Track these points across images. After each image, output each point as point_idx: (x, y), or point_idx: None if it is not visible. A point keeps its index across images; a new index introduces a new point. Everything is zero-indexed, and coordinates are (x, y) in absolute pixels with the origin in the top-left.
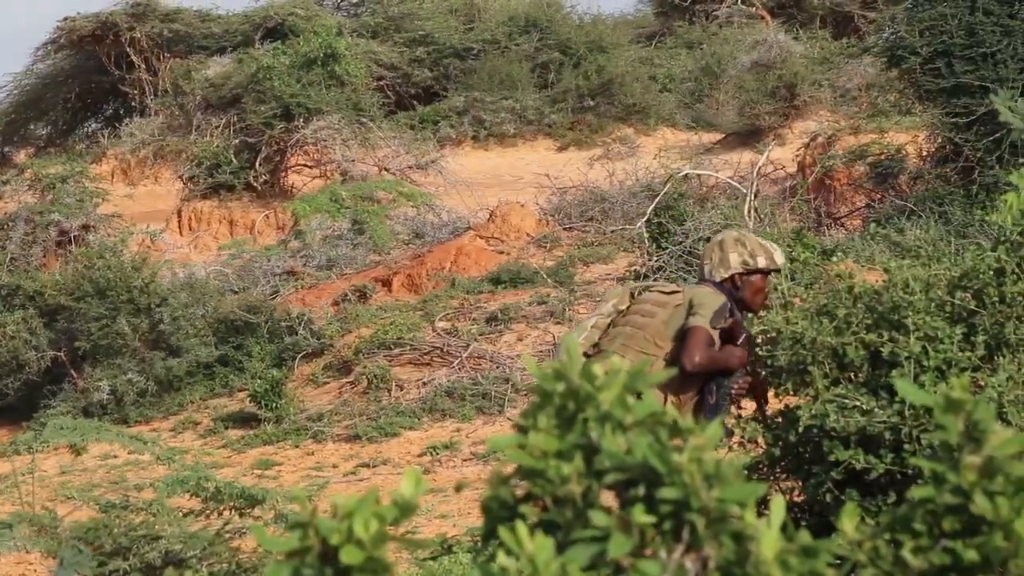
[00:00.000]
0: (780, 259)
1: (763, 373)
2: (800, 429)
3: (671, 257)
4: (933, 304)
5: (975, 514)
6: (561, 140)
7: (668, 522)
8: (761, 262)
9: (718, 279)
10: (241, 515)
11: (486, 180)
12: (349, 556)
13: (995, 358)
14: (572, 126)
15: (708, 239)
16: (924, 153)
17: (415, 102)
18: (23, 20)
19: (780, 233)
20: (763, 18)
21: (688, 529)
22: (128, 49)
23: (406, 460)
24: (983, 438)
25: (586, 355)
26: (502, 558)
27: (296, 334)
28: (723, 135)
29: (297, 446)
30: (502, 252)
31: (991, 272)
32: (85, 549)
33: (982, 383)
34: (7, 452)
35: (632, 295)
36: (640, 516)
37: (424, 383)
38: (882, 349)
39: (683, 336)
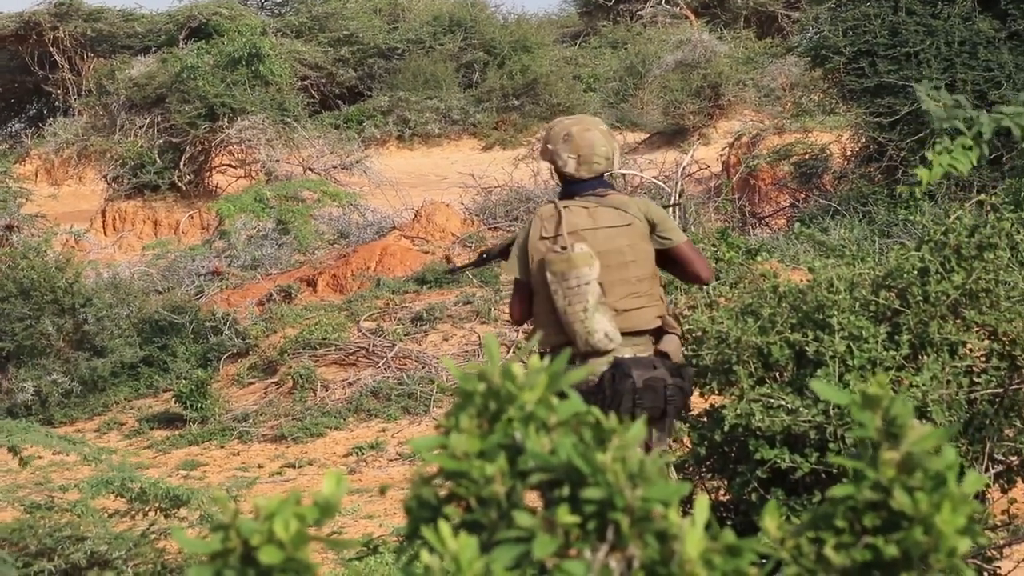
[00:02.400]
0: None
1: None
2: (725, 428)
3: None
4: (857, 303)
5: (895, 510)
6: (486, 140)
7: (593, 522)
8: None
9: (620, 167)
10: (167, 516)
11: (411, 180)
12: (268, 556)
13: (919, 357)
14: (497, 126)
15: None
16: (848, 153)
17: (340, 102)
18: None
19: (705, 232)
20: (687, 18)
21: (612, 529)
22: (51, 49)
23: (332, 460)
24: (901, 434)
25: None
26: (425, 557)
27: (221, 334)
28: (648, 135)
29: (223, 446)
30: (427, 252)
31: (915, 271)
32: (8, 558)
33: (906, 382)
34: None
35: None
36: (564, 516)
37: (349, 383)
38: (807, 348)
39: (664, 257)
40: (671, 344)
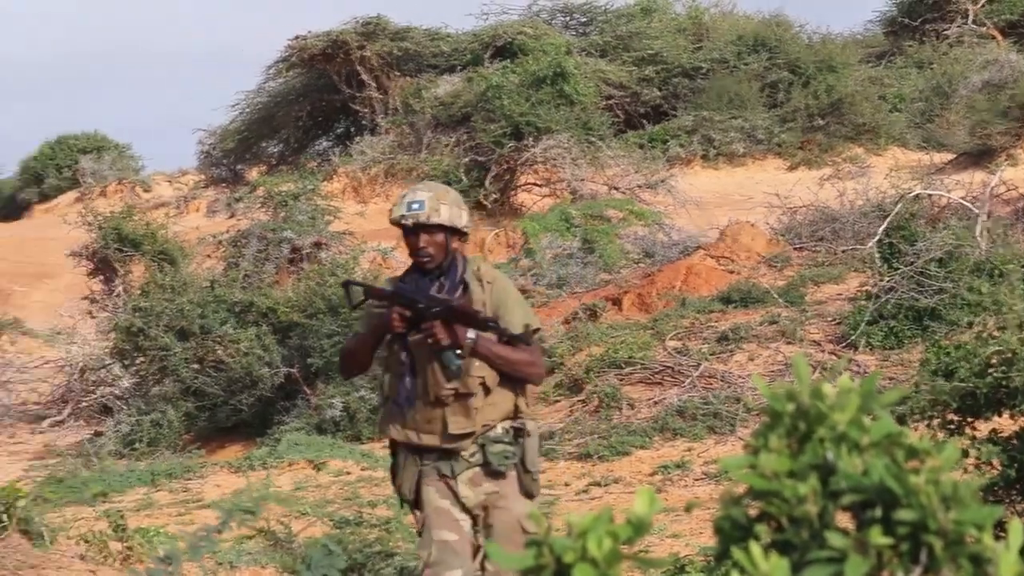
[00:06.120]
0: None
1: None
2: None
3: (903, 278)
4: None
5: None
6: (791, 159)
7: (906, 544)
8: None
9: None
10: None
11: (715, 199)
12: (582, 574)
13: None
14: (802, 145)
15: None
16: None
17: (644, 121)
18: (264, 44)
19: (1014, 254)
20: (994, 38)
21: (926, 551)
22: (358, 67)
23: (637, 479)
24: None
25: None
26: None
27: None
28: (954, 155)
29: None
30: (732, 271)
31: None
32: (336, 548)
33: None
34: (242, 467)
35: None
36: (877, 537)
37: (655, 402)
38: None
39: None
40: None
